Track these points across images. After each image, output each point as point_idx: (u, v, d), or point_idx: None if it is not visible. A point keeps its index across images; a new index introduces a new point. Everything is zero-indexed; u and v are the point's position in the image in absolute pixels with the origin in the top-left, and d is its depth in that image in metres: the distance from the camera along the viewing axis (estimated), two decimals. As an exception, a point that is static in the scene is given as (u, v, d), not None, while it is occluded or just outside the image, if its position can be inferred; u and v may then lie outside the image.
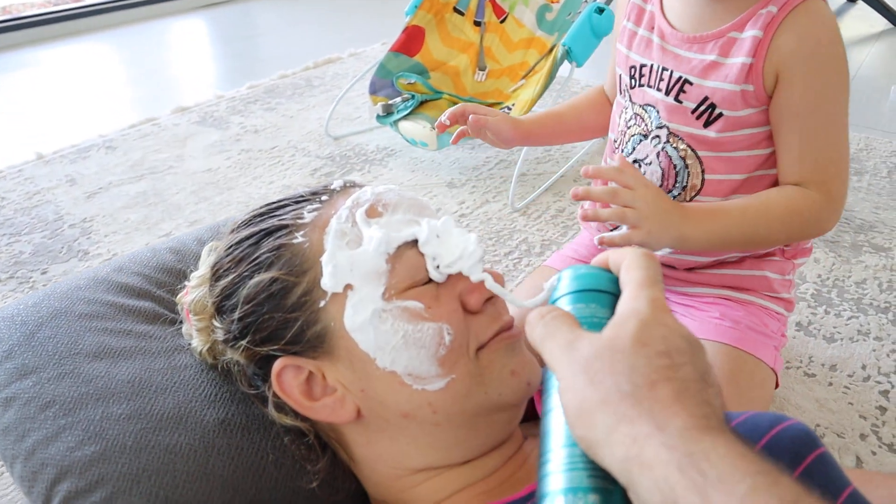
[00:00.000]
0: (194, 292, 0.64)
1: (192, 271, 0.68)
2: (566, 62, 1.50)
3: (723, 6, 0.80)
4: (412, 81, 1.63)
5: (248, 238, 0.59)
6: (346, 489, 0.60)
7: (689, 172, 0.86)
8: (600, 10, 1.47)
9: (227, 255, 0.60)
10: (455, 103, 1.65)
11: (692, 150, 0.85)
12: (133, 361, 0.64)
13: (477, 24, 1.82)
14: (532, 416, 0.68)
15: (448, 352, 0.52)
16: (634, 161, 0.91)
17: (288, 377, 0.55)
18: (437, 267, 0.55)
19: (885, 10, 3.33)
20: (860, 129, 2.03)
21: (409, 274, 0.54)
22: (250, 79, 2.31)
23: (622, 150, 0.93)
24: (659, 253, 0.91)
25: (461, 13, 1.81)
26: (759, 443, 0.51)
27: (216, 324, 0.60)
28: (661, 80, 0.85)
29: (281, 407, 0.57)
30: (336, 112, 1.87)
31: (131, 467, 0.55)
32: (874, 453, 0.93)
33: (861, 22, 3.47)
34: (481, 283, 0.54)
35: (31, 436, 0.59)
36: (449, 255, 0.54)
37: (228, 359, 0.60)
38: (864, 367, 1.08)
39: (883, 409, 1.00)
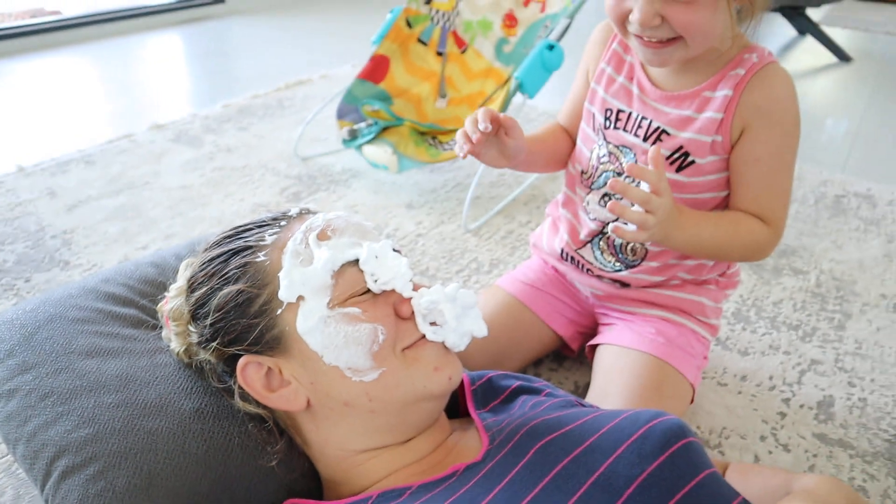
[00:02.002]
0: (173, 302, 0.75)
1: (171, 283, 0.79)
2: (519, 93, 1.63)
3: (697, 68, 0.91)
4: (376, 109, 1.75)
5: (218, 256, 0.70)
6: (301, 468, 0.72)
7: None
8: (550, 47, 1.60)
9: (201, 271, 0.71)
10: (415, 129, 1.79)
11: None
12: (120, 359, 0.75)
13: (439, 54, 1.95)
14: (460, 413, 0.80)
15: (380, 348, 0.65)
16: (606, 195, 1.01)
17: (251, 372, 0.67)
18: (376, 281, 0.67)
19: (830, 45, 3.53)
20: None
21: (349, 287, 0.66)
22: (224, 97, 2.41)
23: (594, 184, 1.03)
24: (620, 274, 1.03)
25: (424, 44, 1.94)
26: (637, 432, 0.63)
27: (191, 329, 0.72)
28: (640, 127, 0.95)
29: (245, 397, 0.69)
30: (305, 134, 1.98)
31: (120, 446, 0.66)
32: (770, 452, 1.06)
33: (808, 55, 3.66)
34: (410, 298, 0.67)
35: (32, 421, 0.70)
36: (385, 273, 0.67)
37: (201, 358, 0.72)
38: (770, 378, 1.21)
39: (783, 415, 1.13)
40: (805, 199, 1.90)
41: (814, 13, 4.19)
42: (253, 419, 0.71)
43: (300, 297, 0.65)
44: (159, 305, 0.80)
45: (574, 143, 1.09)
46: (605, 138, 1.01)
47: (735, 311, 1.38)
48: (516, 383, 0.81)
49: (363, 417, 0.66)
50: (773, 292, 1.46)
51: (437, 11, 1.94)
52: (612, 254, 1.04)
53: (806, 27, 3.58)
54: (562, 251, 1.10)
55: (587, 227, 1.05)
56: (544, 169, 1.11)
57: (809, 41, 3.73)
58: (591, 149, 1.04)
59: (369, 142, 1.69)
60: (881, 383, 1.21)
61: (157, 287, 0.87)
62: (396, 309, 0.68)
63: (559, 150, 1.10)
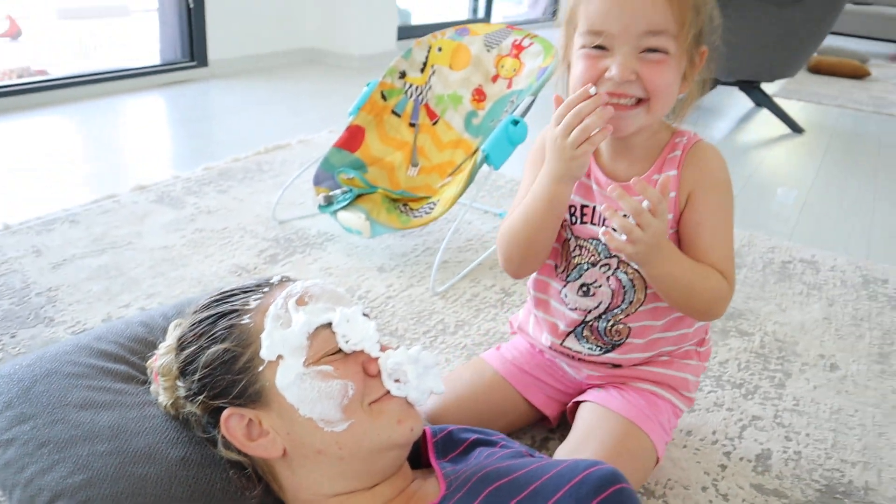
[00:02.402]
0: (162, 359, 0.83)
1: (159, 342, 0.87)
2: (486, 165, 1.75)
3: (640, 157, 1.02)
4: (351, 177, 1.86)
5: (207, 318, 0.79)
6: (276, 511, 0.80)
7: (635, 290, 1.05)
8: (515, 122, 1.73)
9: (191, 331, 0.80)
10: (387, 197, 1.90)
11: (639, 272, 1.03)
12: (112, 412, 0.82)
13: (412, 125, 2.07)
14: (422, 464, 0.88)
15: (350, 402, 0.73)
16: (583, 285, 1.07)
17: (233, 423, 0.75)
18: (347, 342, 0.76)
19: (784, 117, 3.74)
20: (746, 227, 2.33)
21: (322, 347, 0.75)
22: (206, 160, 2.51)
23: (569, 277, 1.09)
24: (609, 356, 1.10)
25: (398, 115, 2.06)
26: (576, 478, 0.71)
27: (179, 383, 0.80)
28: (605, 218, 0.99)
29: (227, 446, 0.77)
30: (283, 198, 2.08)
31: (111, 491, 0.73)
32: (711, 502, 1.14)
33: (764, 126, 3.86)
34: (377, 358, 0.76)
35: (29, 468, 0.77)
36: (355, 335, 0.76)
37: (188, 411, 0.80)
38: (714, 433, 1.31)
39: (724, 467, 1.22)
40: (754, 265, 2.03)
41: (769, 87, 4.43)
42: (234, 466, 0.78)
43: (279, 356, 0.74)
44: (149, 362, 0.88)
45: None
46: (573, 233, 1.08)
47: (684, 371, 1.48)
48: (474, 436, 0.89)
49: (334, 464, 0.75)
50: (720, 353, 1.56)
51: (411, 86, 2.07)
52: (596, 338, 1.11)
53: (761, 100, 3.80)
54: (549, 346, 1.17)
55: (567, 318, 1.12)
56: (538, 253, 1.07)
57: (765, 113, 3.95)
58: (561, 243, 1.10)
59: (344, 208, 1.79)
60: (815, 437, 1.31)
61: (146, 345, 0.95)
62: (365, 367, 0.76)
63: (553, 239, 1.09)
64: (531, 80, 1.89)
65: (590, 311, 1.10)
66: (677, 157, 1.01)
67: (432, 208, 1.77)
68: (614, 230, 0.91)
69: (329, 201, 1.81)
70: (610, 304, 1.08)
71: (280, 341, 0.74)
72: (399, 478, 0.79)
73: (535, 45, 1.96)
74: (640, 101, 0.93)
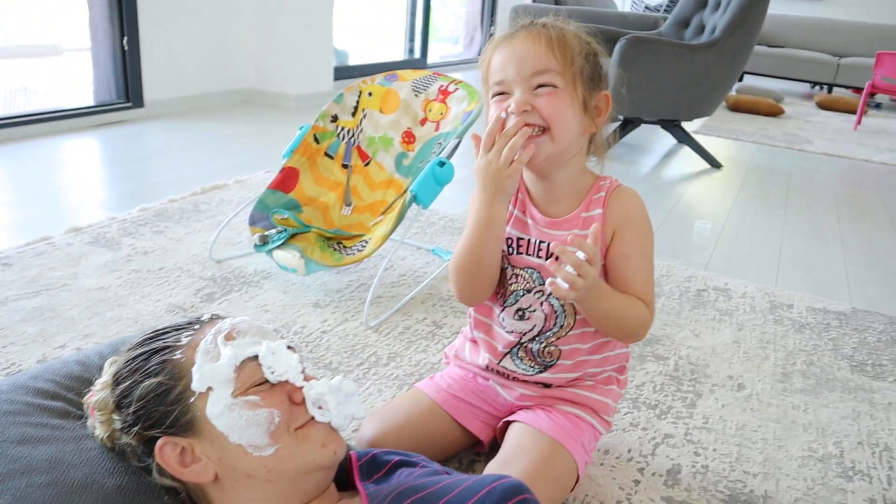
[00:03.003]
0: (98, 394, 0.88)
1: (95, 378, 0.92)
2: (414, 204, 1.84)
3: (569, 198, 1.15)
4: (285, 217, 1.92)
5: (141, 354, 0.85)
6: (209, 534, 0.85)
7: (565, 314, 1.17)
8: (442, 164, 1.82)
9: (126, 367, 0.85)
10: (321, 235, 1.96)
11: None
12: (49, 446, 0.86)
13: (345, 166, 2.15)
14: (349, 486, 0.94)
15: (276, 428, 0.80)
16: (519, 310, 1.19)
17: (167, 451, 0.80)
18: (273, 373, 0.82)
19: (703, 153, 3.95)
20: (665, 258, 2.47)
21: (249, 378, 0.82)
22: (142, 201, 2.53)
23: (506, 302, 1.20)
24: (542, 375, 1.21)
25: (331, 157, 2.14)
26: (482, 490, 0.79)
27: (115, 417, 0.85)
28: (540, 250, 1.16)
29: (162, 472, 0.82)
30: (219, 237, 2.12)
31: (49, 520, 0.77)
32: (623, 514, 1.23)
33: (685, 161, 4.07)
34: (301, 387, 0.83)
35: (-33, 503, 0.80)
36: (280, 367, 0.83)
37: (123, 442, 0.85)
38: (629, 451, 1.40)
39: (637, 482, 1.31)
40: (671, 294, 2.16)
41: (690, 125, 4.68)
42: (168, 492, 0.83)
43: (209, 388, 0.80)
44: (85, 398, 0.92)
45: None
46: (509, 263, 1.20)
47: (603, 394, 1.58)
48: (396, 458, 0.96)
49: (263, 487, 0.81)
50: (637, 376, 1.67)
51: (343, 128, 2.16)
52: (530, 359, 1.22)
53: (682, 137, 4.02)
54: (486, 366, 1.27)
55: (504, 339, 1.23)
56: (488, 261, 1.15)
57: (687, 149, 4.17)
58: (500, 273, 1.22)
59: (279, 247, 1.84)
60: (721, 451, 1.41)
61: (81, 382, 0.99)
62: (290, 396, 0.83)
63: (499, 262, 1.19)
64: (456, 124, 2.00)
65: (525, 334, 1.21)
66: (602, 197, 1.14)
67: (364, 246, 1.85)
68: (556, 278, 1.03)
69: (264, 241, 1.87)
70: (543, 327, 1.19)
71: (209, 374, 0.80)
72: (325, 499, 0.85)
73: (460, 90, 2.07)
74: (544, 131, 1.07)
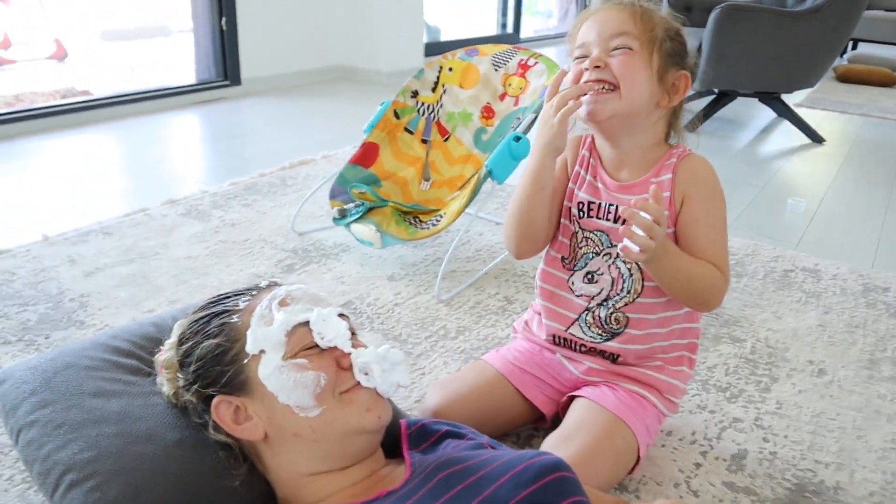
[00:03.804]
0: (166, 353, 0.95)
1: (166, 339, 0.98)
2: (490, 179, 1.84)
3: (641, 165, 1.17)
4: (363, 191, 1.97)
5: (203, 317, 0.90)
6: (259, 489, 0.90)
7: (633, 279, 1.17)
8: (517, 138, 1.82)
9: (189, 329, 0.91)
10: (398, 209, 2.00)
11: (637, 263, 1.16)
12: (120, 399, 0.93)
13: (424, 141, 2.18)
14: (397, 453, 0.97)
15: (322, 391, 0.83)
16: (588, 272, 1.21)
17: (222, 409, 0.85)
18: (322, 339, 0.86)
19: (804, 127, 3.76)
20: (752, 236, 2.38)
21: (299, 342, 0.85)
22: (233, 175, 2.65)
23: (576, 265, 1.22)
24: (609, 344, 1.21)
25: (411, 132, 2.17)
26: (519, 465, 0.79)
27: (179, 375, 0.91)
28: (609, 213, 1.18)
29: (217, 429, 0.87)
30: (303, 210, 2.20)
31: (115, 466, 0.84)
32: (681, 496, 1.21)
33: (785, 136, 3.88)
34: (349, 353, 0.86)
35: (46, 446, 0.88)
36: (329, 333, 0.86)
37: (186, 399, 0.91)
38: (693, 433, 1.37)
39: (698, 465, 1.28)
40: (755, 273, 2.08)
41: (794, 97, 4.45)
42: (223, 447, 0.89)
43: (262, 350, 0.84)
44: (155, 357, 0.99)
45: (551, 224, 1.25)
46: (580, 226, 1.22)
47: (673, 375, 1.54)
48: (445, 428, 0.98)
49: (309, 446, 0.85)
50: (709, 358, 1.62)
51: (423, 104, 2.18)
52: (598, 326, 1.22)
53: (781, 111, 3.83)
54: (553, 337, 1.28)
55: (573, 305, 1.24)
56: (538, 214, 1.20)
57: (787, 123, 3.97)
58: (569, 237, 1.24)
59: (356, 220, 1.90)
60: (793, 439, 1.36)
61: (155, 343, 1.06)
62: (338, 361, 0.87)
63: (551, 216, 1.23)
64: (535, 98, 1.98)
65: (593, 298, 1.22)
66: (673, 163, 1.15)
67: (439, 220, 1.87)
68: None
69: (343, 214, 1.92)
70: (611, 291, 1.20)
71: (262, 337, 0.84)
72: (371, 462, 0.89)
73: (540, 64, 2.05)
74: (614, 88, 1.10)
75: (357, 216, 1.91)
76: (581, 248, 1.22)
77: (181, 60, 4.49)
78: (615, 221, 1.18)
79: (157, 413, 0.92)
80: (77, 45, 5.47)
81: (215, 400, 0.86)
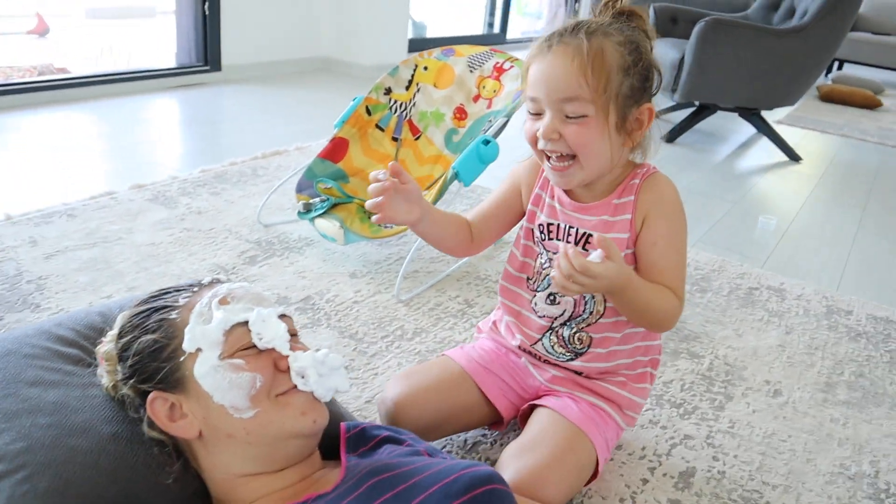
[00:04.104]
0: (107, 345, 0.93)
1: (109, 331, 0.96)
2: (456, 181, 1.84)
3: (602, 184, 1.14)
4: (329, 186, 1.95)
5: (143, 311, 0.89)
6: (193, 487, 0.89)
7: (595, 301, 1.17)
8: (486, 142, 1.81)
9: (129, 322, 0.89)
10: (363, 207, 1.98)
11: None
12: (58, 389, 0.91)
13: (395, 139, 2.17)
14: (333, 456, 0.97)
15: (257, 392, 0.82)
16: (550, 294, 1.20)
17: (157, 405, 0.84)
18: (261, 339, 0.85)
19: (781, 144, 3.79)
20: (720, 251, 2.39)
21: (237, 342, 0.84)
22: (206, 162, 2.62)
23: (538, 286, 1.21)
24: (573, 363, 1.21)
25: (382, 129, 2.16)
26: (451, 476, 0.78)
27: (118, 368, 0.89)
28: (570, 235, 1.16)
29: (152, 425, 0.86)
30: (270, 202, 2.18)
31: (45, 458, 0.82)
32: (624, 512, 1.22)
33: (762, 152, 3.91)
34: (287, 356, 0.85)
35: (-22, 435, 0.86)
36: (268, 334, 0.85)
37: (123, 393, 0.89)
38: (643, 448, 1.37)
39: (645, 481, 1.28)
40: (720, 290, 2.09)
41: (775, 113, 4.48)
42: (157, 444, 0.87)
43: (198, 349, 0.83)
44: (97, 348, 0.97)
45: (471, 239, 1.25)
46: (544, 248, 1.21)
47: (629, 387, 1.55)
48: (385, 433, 0.98)
49: (242, 447, 0.84)
50: (666, 373, 1.63)
51: (395, 102, 2.17)
52: (562, 345, 1.22)
53: (760, 127, 3.85)
54: (520, 346, 1.27)
55: (536, 324, 1.23)
56: (440, 244, 1.24)
57: (766, 140, 4.00)
58: (534, 258, 1.23)
59: (320, 215, 1.88)
60: (742, 459, 1.37)
61: (99, 332, 1.04)
62: (276, 363, 0.86)
63: (457, 235, 1.24)
64: (507, 102, 1.98)
65: (556, 318, 1.21)
66: (635, 184, 1.13)
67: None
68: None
69: (308, 209, 1.91)
70: (573, 312, 1.19)
71: (200, 335, 0.83)
72: (305, 465, 0.88)
73: (515, 68, 2.05)
74: (574, 158, 1.07)
75: (321, 211, 1.90)
76: (545, 269, 1.21)
77: (163, 43, 4.43)
78: (576, 243, 1.16)
79: (95, 405, 0.90)
80: (60, 22, 5.39)
81: (151, 396, 0.84)
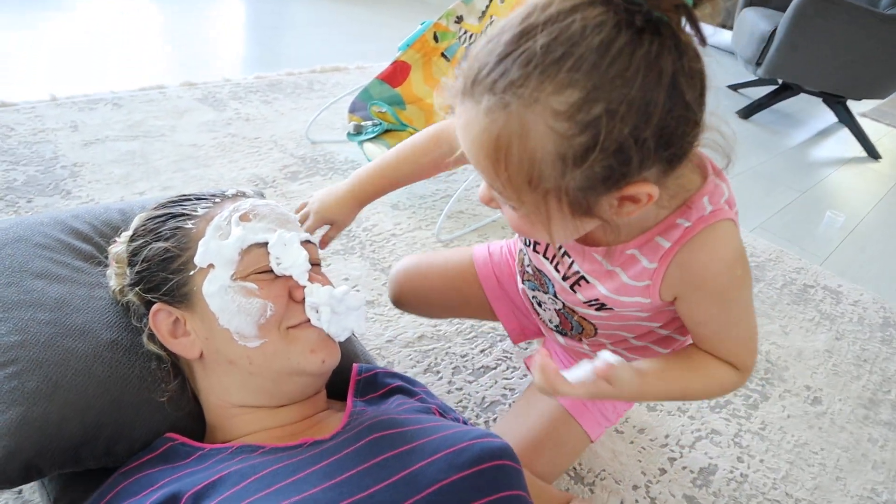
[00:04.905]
0: (119, 246, 0.87)
1: (125, 231, 0.91)
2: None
3: (625, 228, 0.78)
4: (383, 111, 1.86)
5: (159, 216, 0.82)
6: (188, 409, 0.83)
7: (583, 328, 0.97)
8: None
9: (143, 225, 0.83)
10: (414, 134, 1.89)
11: (585, 319, 0.95)
12: (63, 285, 0.87)
13: (459, 73, 2.05)
14: (340, 396, 0.91)
15: (266, 322, 0.76)
16: (534, 298, 1.01)
17: (160, 317, 0.78)
18: (279, 265, 0.78)
19: (862, 139, 3.57)
20: (779, 241, 2.26)
21: (252, 264, 0.78)
22: (261, 69, 2.54)
23: (523, 281, 1.03)
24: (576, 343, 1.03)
25: (447, 59, 2.04)
26: (458, 444, 0.71)
27: (126, 272, 0.84)
28: (561, 263, 0.88)
29: (152, 338, 0.80)
30: (321, 119, 2.10)
31: (38, 356, 0.77)
32: (637, 502, 1.15)
33: (841, 144, 3.69)
34: (304, 286, 0.78)
35: (-27, 321, 0.82)
36: (287, 259, 0.78)
37: (128, 299, 0.84)
38: (666, 436, 1.30)
39: (663, 471, 1.22)
40: (773, 281, 1.97)
41: (859, 105, 4.22)
42: (156, 358, 0.82)
43: (210, 265, 0.77)
44: (110, 247, 0.92)
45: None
46: (526, 251, 0.98)
47: (661, 370, 1.47)
48: (397, 383, 0.91)
49: (243, 377, 0.78)
50: (703, 360, 1.54)
51: (465, 31, 2.05)
52: (565, 324, 1.02)
53: (842, 117, 3.63)
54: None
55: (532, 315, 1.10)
56: (422, 176, 1.08)
57: (846, 131, 3.77)
58: (519, 249, 1.04)
59: (371, 139, 1.80)
60: (769, 465, 1.29)
61: (115, 231, 0.99)
62: (291, 292, 0.79)
63: (425, 164, 1.04)
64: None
65: (546, 323, 1.06)
66: (665, 248, 0.76)
67: (454, 156, 1.77)
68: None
69: (358, 130, 1.83)
70: (559, 325, 1.02)
71: (214, 251, 0.77)
72: (307, 405, 0.82)
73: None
74: None
75: (372, 136, 1.81)
76: (527, 271, 1.00)
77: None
78: (564, 279, 0.89)
79: (98, 308, 0.85)
80: None
81: (154, 307, 0.79)
